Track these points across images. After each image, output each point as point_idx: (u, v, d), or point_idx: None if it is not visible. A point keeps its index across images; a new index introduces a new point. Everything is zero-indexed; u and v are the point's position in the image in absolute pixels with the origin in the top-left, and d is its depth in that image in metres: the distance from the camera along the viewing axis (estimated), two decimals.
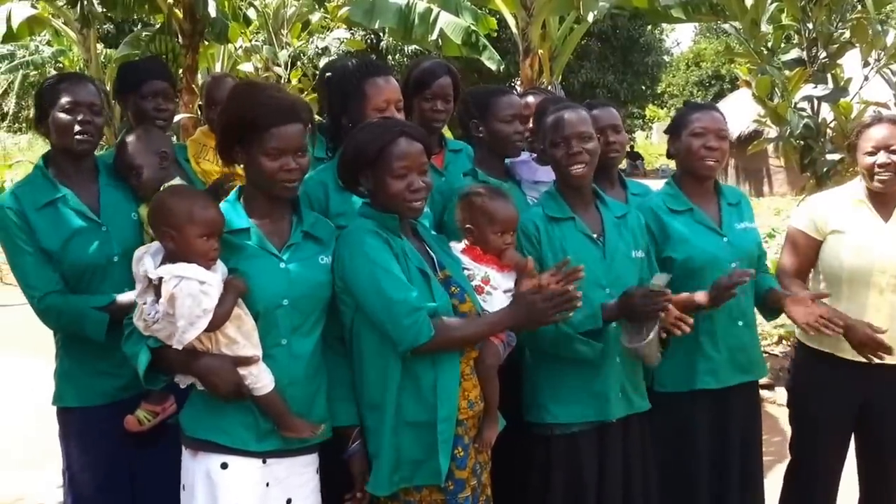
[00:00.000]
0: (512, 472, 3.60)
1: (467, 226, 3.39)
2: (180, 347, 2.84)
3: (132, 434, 3.44)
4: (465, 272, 3.29)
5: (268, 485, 3.00)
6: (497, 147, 4.02)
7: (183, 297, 2.77)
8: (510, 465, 3.60)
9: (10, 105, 28.76)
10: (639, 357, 3.46)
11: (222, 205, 3.07)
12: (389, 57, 24.12)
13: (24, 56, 24.11)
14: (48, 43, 22.09)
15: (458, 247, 3.39)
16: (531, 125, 4.14)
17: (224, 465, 2.94)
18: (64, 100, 3.43)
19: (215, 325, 2.83)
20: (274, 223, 3.06)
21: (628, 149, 32.77)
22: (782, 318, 4.11)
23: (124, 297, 3.33)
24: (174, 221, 2.86)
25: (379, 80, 3.59)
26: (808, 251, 4.08)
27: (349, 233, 3.10)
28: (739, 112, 14.54)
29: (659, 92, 35.56)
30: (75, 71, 3.75)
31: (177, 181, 3.48)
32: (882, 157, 3.87)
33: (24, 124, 29.39)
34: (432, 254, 3.22)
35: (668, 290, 3.35)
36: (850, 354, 3.92)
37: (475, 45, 10.33)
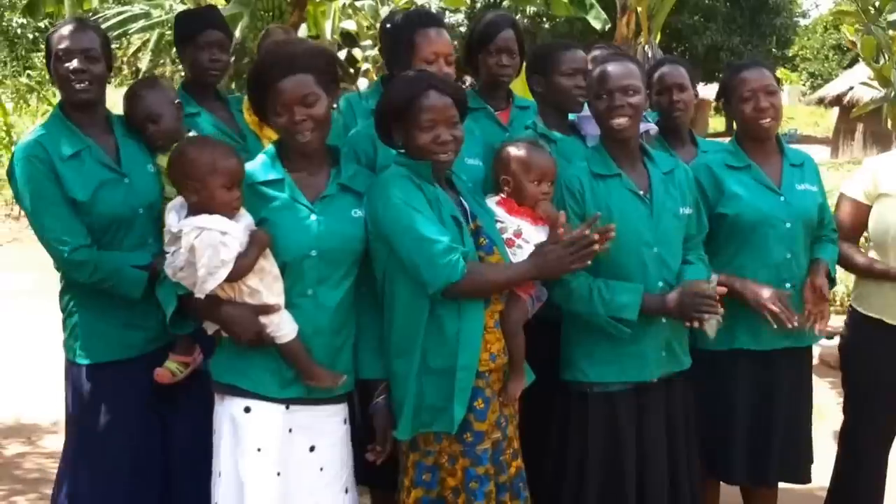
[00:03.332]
0: (549, 431, 3.59)
1: (503, 177, 3.39)
2: (202, 296, 2.89)
3: (162, 387, 3.42)
4: (498, 225, 3.29)
5: (291, 431, 3.05)
6: (558, 101, 3.93)
7: (203, 247, 2.82)
8: (548, 424, 3.59)
9: (144, 62, 29.68)
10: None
11: (260, 156, 3.13)
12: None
13: (160, 16, 24.66)
14: (182, 1, 22.56)
15: (493, 199, 3.39)
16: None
17: (247, 409, 3.00)
18: (59, 47, 3.37)
19: (237, 275, 2.88)
20: (311, 175, 3.10)
21: None
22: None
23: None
24: (196, 173, 2.90)
25: (430, 32, 3.62)
26: (857, 217, 4.01)
27: (382, 179, 3.13)
28: None
29: (791, 55, 34.42)
30: (79, 17, 3.72)
31: (191, 135, 3.47)
32: None
33: None
34: (465, 204, 3.23)
35: (715, 292, 3.31)
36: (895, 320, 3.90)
37: (581, 3, 10.14)
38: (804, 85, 45.11)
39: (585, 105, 3.76)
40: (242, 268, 2.88)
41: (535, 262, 3.12)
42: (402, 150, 3.19)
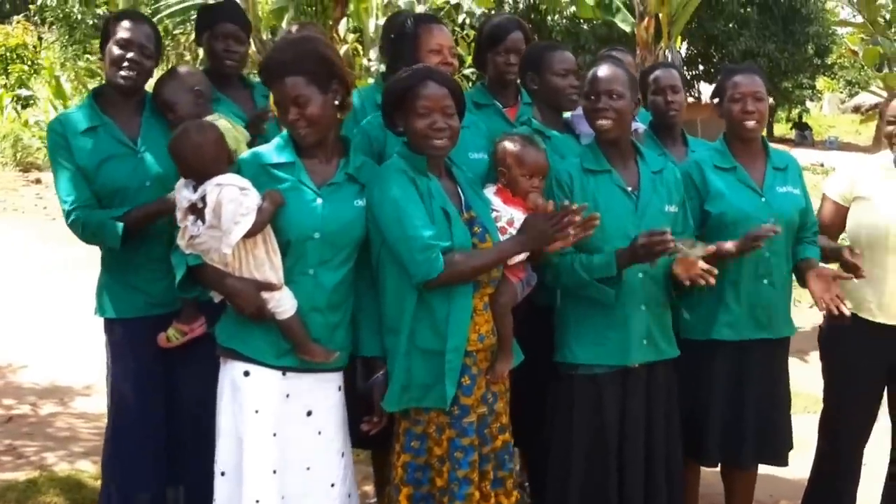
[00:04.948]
0: (543, 410, 3.79)
1: (500, 168, 3.62)
2: (229, 251, 3.13)
3: (168, 349, 3.71)
4: (493, 213, 3.49)
5: (288, 396, 3.29)
6: (551, 100, 4.14)
7: (226, 202, 3.08)
8: (543, 403, 3.80)
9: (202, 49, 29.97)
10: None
11: (276, 139, 3.37)
12: (549, 18, 24.13)
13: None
14: None
15: (491, 189, 3.61)
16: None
17: (246, 373, 3.25)
18: (119, 35, 3.67)
19: (258, 227, 3.12)
20: (321, 163, 3.33)
21: (795, 118, 31.50)
22: None
23: (138, 210, 3.62)
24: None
25: (432, 27, 3.94)
26: (835, 218, 4.18)
27: (380, 171, 3.36)
28: None
29: (829, 63, 34.14)
30: (140, 12, 4.02)
31: (214, 118, 3.64)
32: None
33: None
34: (462, 195, 3.45)
35: (667, 230, 3.42)
36: (869, 315, 4.07)
37: (608, 7, 10.39)
38: (842, 93, 44.77)
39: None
40: (260, 223, 3.13)
41: (520, 236, 3.34)
42: (405, 138, 3.40)
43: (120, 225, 3.61)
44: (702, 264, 3.48)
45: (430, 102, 3.29)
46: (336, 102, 3.30)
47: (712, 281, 3.46)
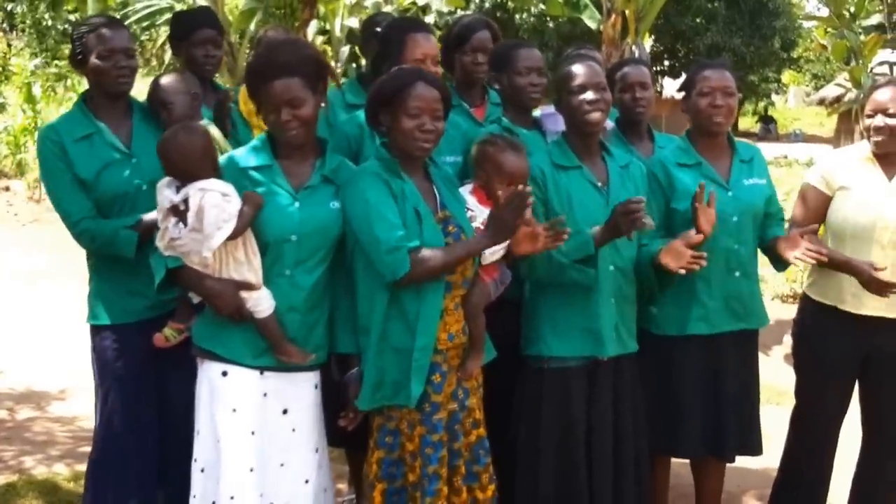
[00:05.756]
0: (510, 403, 3.83)
1: (478, 171, 3.63)
2: (209, 254, 3.19)
3: (160, 350, 3.66)
4: (469, 213, 3.52)
5: (265, 395, 3.34)
6: (514, 98, 4.14)
7: (209, 207, 3.13)
8: (510, 396, 3.83)
9: (169, 54, 29.92)
10: None
11: (253, 143, 3.43)
12: (517, 16, 24.23)
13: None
14: None
15: (468, 187, 3.63)
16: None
17: (224, 373, 3.31)
18: (101, 47, 3.66)
19: (239, 231, 3.19)
20: (297, 165, 3.37)
21: (761, 112, 31.77)
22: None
23: (148, 216, 3.58)
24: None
25: (418, 35, 3.95)
26: (817, 205, 4.18)
27: (356, 173, 3.41)
28: None
29: (795, 57, 34.45)
30: (111, 16, 4.04)
31: (203, 123, 3.70)
32: (877, 120, 3.98)
33: None
34: (438, 194, 3.48)
35: (642, 198, 3.51)
36: (851, 307, 4.09)
37: (577, 5, 10.49)
38: (808, 86, 45.21)
39: (550, 103, 3.98)
40: (243, 224, 3.19)
41: (486, 231, 3.35)
42: (385, 137, 3.42)
43: (135, 234, 3.63)
44: (691, 252, 3.57)
45: (422, 104, 3.32)
46: (322, 105, 3.35)
47: (703, 263, 3.56)
